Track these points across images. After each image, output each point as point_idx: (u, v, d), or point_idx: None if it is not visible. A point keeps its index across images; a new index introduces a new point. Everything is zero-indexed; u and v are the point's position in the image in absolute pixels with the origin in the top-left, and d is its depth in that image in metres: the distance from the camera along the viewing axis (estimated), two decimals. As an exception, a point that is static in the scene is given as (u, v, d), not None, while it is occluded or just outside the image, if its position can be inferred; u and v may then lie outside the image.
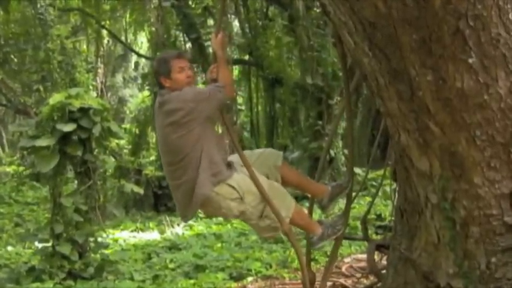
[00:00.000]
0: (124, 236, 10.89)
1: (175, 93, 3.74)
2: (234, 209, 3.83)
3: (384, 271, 4.37)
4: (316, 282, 4.45)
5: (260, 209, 3.86)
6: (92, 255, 7.14)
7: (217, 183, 3.75)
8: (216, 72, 3.89)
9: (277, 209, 3.85)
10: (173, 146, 3.77)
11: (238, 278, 6.71)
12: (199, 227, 11.23)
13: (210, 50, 17.21)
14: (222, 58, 3.91)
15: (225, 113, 3.98)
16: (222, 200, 3.79)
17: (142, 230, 11.84)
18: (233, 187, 3.77)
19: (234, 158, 3.97)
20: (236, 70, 22.10)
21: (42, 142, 6.55)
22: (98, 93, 25.60)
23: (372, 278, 5.30)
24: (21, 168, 16.98)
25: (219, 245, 8.86)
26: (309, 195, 4.65)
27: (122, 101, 31.28)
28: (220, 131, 4.21)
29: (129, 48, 26.61)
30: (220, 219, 11.41)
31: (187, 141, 3.70)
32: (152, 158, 20.51)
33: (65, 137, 6.73)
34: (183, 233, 10.89)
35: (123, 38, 26.56)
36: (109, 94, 29.83)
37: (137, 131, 20.75)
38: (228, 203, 3.80)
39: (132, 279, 7.02)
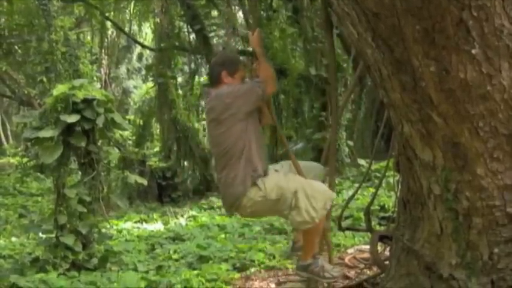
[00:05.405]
0: (128, 227, 10.90)
1: (215, 91, 3.81)
2: (268, 207, 3.82)
3: (387, 262, 4.38)
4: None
5: (289, 199, 3.74)
6: (96, 246, 7.14)
7: (255, 179, 3.72)
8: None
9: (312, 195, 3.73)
10: (216, 141, 3.86)
11: (241, 268, 6.71)
12: (203, 218, 11.23)
13: (214, 41, 17.25)
14: (261, 54, 3.95)
15: (272, 108, 4.02)
16: (249, 199, 3.76)
17: (146, 221, 11.85)
18: (259, 187, 3.73)
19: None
20: (240, 61, 22.04)
21: (45, 133, 6.53)
22: (101, 85, 25.70)
23: (375, 269, 5.30)
24: (25, 160, 17.01)
25: (223, 236, 8.86)
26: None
27: (125, 92, 31.34)
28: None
29: (133, 40, 26.57)
30: (223, 210, 11.41)
31: (229, 138, 3.74)
32: (156, 149, 20.56)
33: (68, 128, 6.72)
34: (186, 224, 10.89)
35: (127, 29, 26.54)
36: (113, 85, 29.91)
37: (141, 122, 20.78)
38: (254, 203, 3.77)
39: (135, 270, 7.03)
